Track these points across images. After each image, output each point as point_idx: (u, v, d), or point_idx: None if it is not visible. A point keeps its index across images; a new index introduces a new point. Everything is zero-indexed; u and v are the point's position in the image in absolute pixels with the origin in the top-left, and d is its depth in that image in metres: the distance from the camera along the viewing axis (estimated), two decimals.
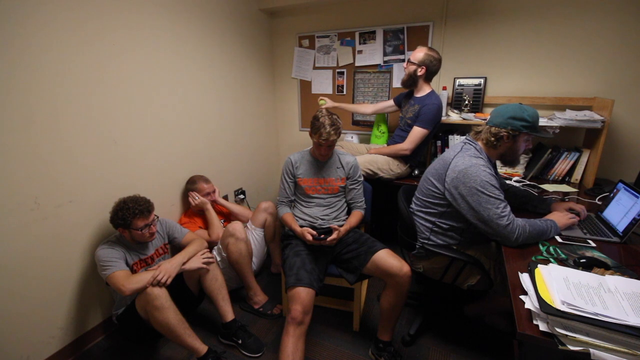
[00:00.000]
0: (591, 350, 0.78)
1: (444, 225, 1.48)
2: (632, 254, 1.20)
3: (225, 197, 2.55)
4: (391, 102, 2.34)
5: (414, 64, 2.01)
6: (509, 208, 1.29)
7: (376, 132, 2.55)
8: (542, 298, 0.88)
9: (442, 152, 2.27)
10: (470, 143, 1.43)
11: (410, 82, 2.07)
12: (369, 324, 1.83)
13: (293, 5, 2.63)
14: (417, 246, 1.56)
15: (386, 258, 1.50)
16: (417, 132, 2.03)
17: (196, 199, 2.07)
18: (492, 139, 1.36)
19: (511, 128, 1.32)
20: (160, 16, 1.90)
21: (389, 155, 2.15)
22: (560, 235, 1.32)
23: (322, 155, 1.70)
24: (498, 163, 1.51)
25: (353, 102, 2.76)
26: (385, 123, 2.54)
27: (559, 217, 1.38)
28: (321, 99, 2.48)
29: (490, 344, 1.65)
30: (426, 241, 1.53)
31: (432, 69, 2.01)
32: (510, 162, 1.43)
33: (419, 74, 2.02)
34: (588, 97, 2.02)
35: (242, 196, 2.72)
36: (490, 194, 1.27)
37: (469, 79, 2.25)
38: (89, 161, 1.61)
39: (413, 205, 1.62)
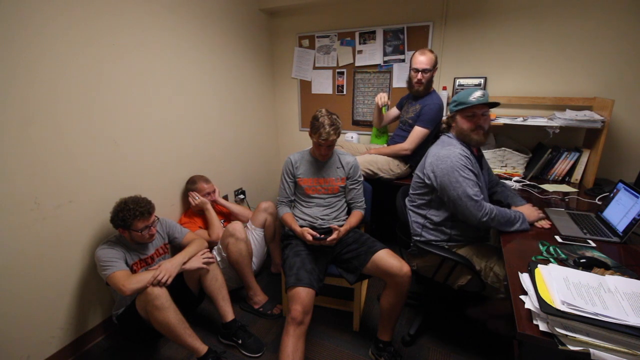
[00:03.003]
0: (591, 350, 0.78)
1: (434, 218, 1.53)
2: (632, 254, 1.20)
3: (225, 197, 2.55)
4: (396, 110, 2.33)
5: (430, 70, 1.99)
6: (477, 189, 1.37)
7: (376, 132, 2.55)
8: (542, 298, 0.88)
9: None
10: (445, 134, 1.57)
11: (427, 88, 2.04)
12: (369, 324, 1.83)
13: (293, 5, 2.63)
14: (411, 244, 1.59)
15: (386, 258, 1.50)
16: (418, 132, 2.03)
17: (196, 199, 2.07)
18: (445, 127, 1.58)
19: (448, 113, 1.54)
20: (161, 16, 1.90)
21: (389, 155, 2.15)
22: (528, 229, 1.40)
23: (322, 155, 1.70)
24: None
25: (353, 103, 2.76)
26: None
27: (529, 210, 1.46)
28: (384, 104, 2.23)
29: (490, 344, 1.65)
30: (418, 238, 1.56)
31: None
32: (472, 143, 1.48)
33: (434, 74, 2.03)
34: (588, 97, 2.02)
35: (242, 196, 2.72)
36: (460, 174, 1.37)
37: (469, 79, 2.25)
38: (89, 161, 1.61)
39: (407, 203, 1.66)
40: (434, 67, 2.00)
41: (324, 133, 1.57)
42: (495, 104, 1.44)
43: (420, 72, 1.99)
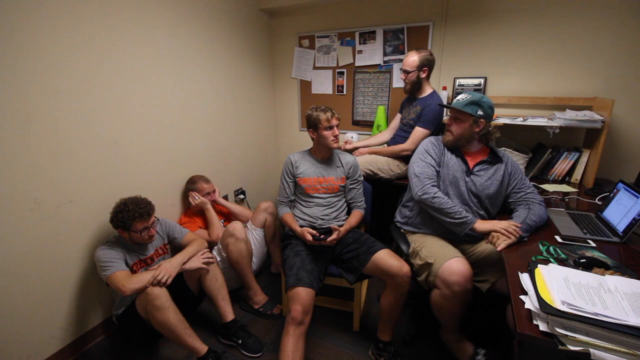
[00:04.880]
0: (591, 350, 0.78)
1: (404, 199, 1.70)
2: (632, 254, 1.20)
3: (225, 197, 2.55)
4: (398, 116, 2.33)
5: (412, 71, 1.99)
6: (429, 170, 1.49)
7: (376, 132, 2.55)
8: (542, 298, 0.88)
9: None
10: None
11: (415, 88, 2.05)
12: (369, 324, 1.83)
13: (293, 5, 2.63)
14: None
15: (386, 258, 1.50)
16: (419, 133, 2.03)
17: (196, 198, 2.07)
18: None
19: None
20: (161, 16, 1.90)
21: (389, 155, 2.15)
22: (461, 231, 1.41)
23: (335, 137, 1.68)
24: None
25: (353, 103, 2.76)
26: (386, 123, 2.54)
27: (491, 222, 1.38)
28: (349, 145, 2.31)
29: (490, 344, 1.64)
30: (394, 219, 1.74)
31: (431, 65, 2.02)
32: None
33: (422, 76, 2.02)
34: (588, 97, 2.02)
35: (242, 196, 2.72)
36: (419, 156, 1.55)
37: (469, 79, 2.25)
38: (89, 161, 1.61)
39: None
40: (419, 68, 1.99)
41: (328, 114, 1.63)
42: (456, 110, 1.46)
43: (402, 72, 2.04)
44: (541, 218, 1.39)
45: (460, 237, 1.50)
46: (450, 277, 1.29)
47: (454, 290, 1.29)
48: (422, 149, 1.57)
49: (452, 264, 1.31)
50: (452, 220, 1.40)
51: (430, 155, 1.53)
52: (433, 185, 1.47)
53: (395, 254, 1.54)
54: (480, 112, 1.43)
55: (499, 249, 1.25)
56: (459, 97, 1.48)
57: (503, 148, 2.13)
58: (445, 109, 2.04)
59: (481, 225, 1.38)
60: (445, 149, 1.55)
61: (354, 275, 1.60)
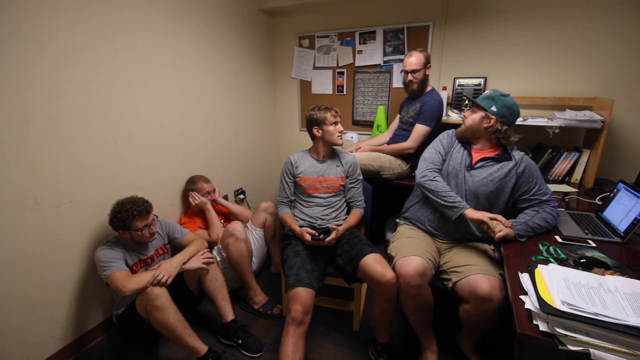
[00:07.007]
0: (591, 350, 0.78)
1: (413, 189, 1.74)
2: (633, 254, 1.20)
3: (225, 197, 2.55)
4: (397, 117, 2.33)
5: (420, 69, 1.99)
6: (436, 158, 1.55)
7: (376, 132, 2.55)
8: (542, 298, 0.88)
9: None
10: None
11: (422, 87, 2.06)
12: (369, 324, 1.83)
13: (293, 5, 2.63)
14: None
15: (371, 264, 1.47)
16: (420, 130, 2.03)
17: (196, 198, 2.07)
18: None
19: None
20: (161, 16, 1.90)
21: (391, 153, 2.15)
22: (453, 216, 1.41)
23: (340, 133, 1.72)
24: None
25: (353, 103, 2.76)
26: (386, 123, 2.54)
27: (481, 212, 1.38)
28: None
29: (490, 343, 1.64)
30: None
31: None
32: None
33: (428, 73, 2.04)
34: (588, 97, 2.02)
35: (242, 196, 2.72)
36: (433, 144, 1.62)
37: (469, 79, 2.25)
38: (89, 161, 1.61)
39: None
40: (425, 66, 2.00)
41: (332, 111, 1.68)
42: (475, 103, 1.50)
43: (410, 73, 2.02)
44: (547, 224, 1.36)
45: (451, 234, 1.54)
46: (399, 270, 1.39)
47: (400, 283, 1.39)
48: (438, 138, 1.63)
49: (404, 260, 1.38)
50: (445, 203, 1.42)
51: (442, 145, 1.58)
52: (434, 171, 1.52)
53: (383, 260, 1.51)
54: (493, 108, 1.42)
55: (496, 237, 1.29)
56: (485, 91, 1.54)
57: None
58: (448, 106, 2.04)
59: (472, 213, 1.37)
60: (456, 141, 1.58)
61: (350, 280, 1.62)
